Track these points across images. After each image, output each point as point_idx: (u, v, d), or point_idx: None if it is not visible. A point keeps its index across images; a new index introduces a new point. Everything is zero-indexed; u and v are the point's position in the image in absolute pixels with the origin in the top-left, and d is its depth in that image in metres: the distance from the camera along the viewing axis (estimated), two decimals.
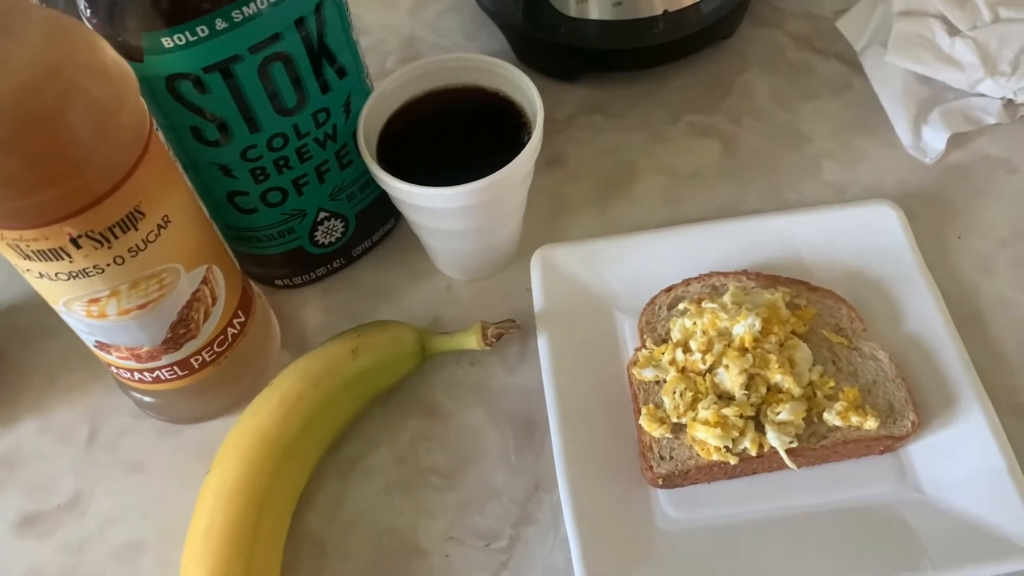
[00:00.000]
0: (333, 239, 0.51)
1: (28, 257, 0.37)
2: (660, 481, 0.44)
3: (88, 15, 0.39)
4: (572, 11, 0.57)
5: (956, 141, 0.55)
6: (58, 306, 0.40)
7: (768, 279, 0.49)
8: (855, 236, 0.51)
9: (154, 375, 0.44)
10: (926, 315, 0.47)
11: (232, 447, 0.43)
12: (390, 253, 0.55)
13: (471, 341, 0.48)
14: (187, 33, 0.38)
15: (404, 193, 0.45)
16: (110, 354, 0.43)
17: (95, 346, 0.43)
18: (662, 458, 0.44)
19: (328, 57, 0.43)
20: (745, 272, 0.49)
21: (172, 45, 0.38)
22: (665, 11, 0.56)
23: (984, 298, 0.49)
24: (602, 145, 0.59)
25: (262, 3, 0.39)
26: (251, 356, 0.48)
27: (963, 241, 0.52)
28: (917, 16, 0.55)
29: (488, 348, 0.48)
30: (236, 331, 0.46)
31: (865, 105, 0.58)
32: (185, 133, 0.43)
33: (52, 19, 0.35)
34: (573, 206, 0.56)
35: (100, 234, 0.36)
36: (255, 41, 0.40)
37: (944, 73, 0.55)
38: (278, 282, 0.53)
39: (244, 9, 0.39)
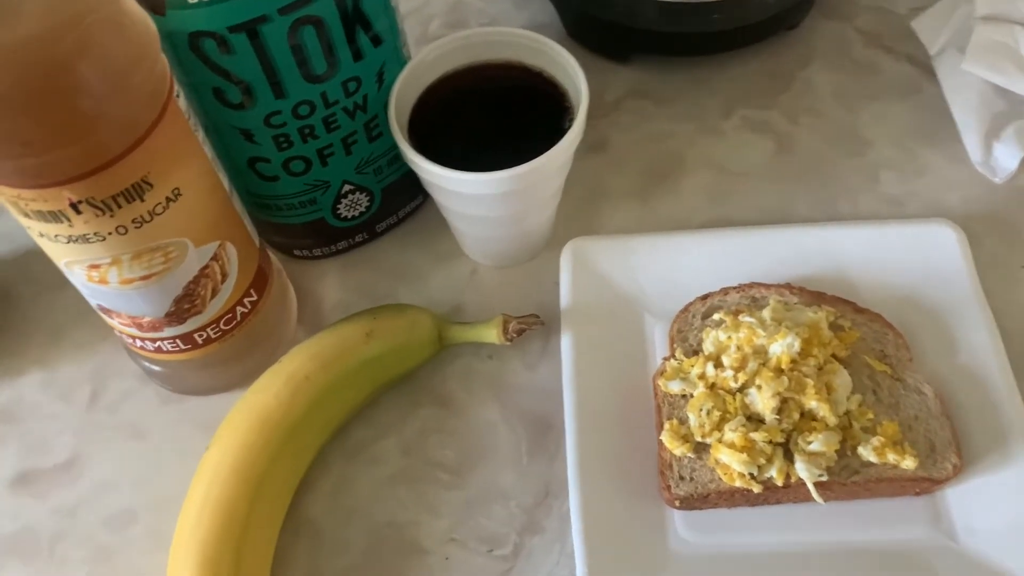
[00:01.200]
0: (357, 213, 0.49)
1: (27, 216, 0.35)
2: (677, 502, 0.41)
3: None
4: None
5: None
6: (60, 265, 0.39)
7: (812, 295, 0.46)
8: (909, 256, 0.47)
9: (156, 345, 0.42)
10: (979, 349, 0.44)
11: (233, 424, 0.42)
12: (415, 231, 0.52)
13: (491, 334, 0.45)
14: None
15: (433, 175, 0.42)
16: (112, 319, 0.41)
17: (98, 308, 0.41)
18: (682, 478, 0.41)
19: (363, 23, 0.41)
20: (788, 286, 0.46)
21: (196, 1, 0.36)
22: None
23: None
24: (649, 133, 0.56)
25: None
26: (263, 333, 0.46)
27: None
28: (1001, 23, 0.51)
29: (509, 343, 0.45)
30: (247, 310, 0.44)
31: (933, 113, 0.54)
32: (207, 94, 0.40)
33: None
34: (613, 196, 0.53)
35: (102, 202, 0.34)
36: (286, 2, 0.37)
37: None
38: (297, 252, 0.51)
39: None
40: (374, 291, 0.50)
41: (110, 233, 0.36)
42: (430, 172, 0.42)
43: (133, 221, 0.36)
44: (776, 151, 0.54)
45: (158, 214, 0.36)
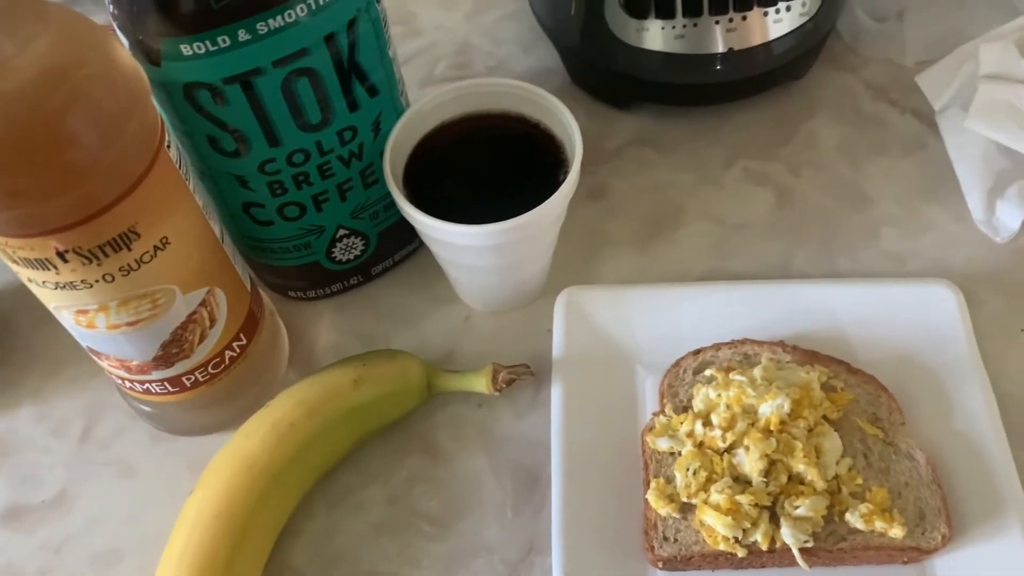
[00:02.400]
0: (352, 256, 0.49)
1: (15, 262, 0.35)
2: (660, 564, 0.41)
3: (113, 11, 0.37)
4: (632, 39, 0.53)
5: None
6: (50, 308, 0.39)
7: (806, 354, 0.45)
8: (907, 316, 0.47)
9: (144, 387, 0.43)
10: (975, 415, 0.43)
11: (218, 469, 0.42)
12: (411, 274, 0.52)
13: (480, 384, 0.45)
14: (207, 42, 0.36)
15: (425, 226, 0.42)
16: (101, 360, 0.42)
17: (88, 350, 0.42)
18: (666, 539, 0.41)
19: (359, 75, 0.41)
20: (782, 343, 0.46)
21: (191, 53, 0.36)
22: (730, 49, 0.52)
23: None
24: (649, 181, 0.55)
25: (290, 16, 0.37)
26: (253, 376, 0.46)
27: None
28: (1006, 81, 0.51)
29: (497, 393, 0.45)
30: (236, 354, 0.44)
31: (938, 170, 0.54)
32: (202, 141, 0.41)
33: (66, 20, 0.33)
34: (610, 244, 0.53)
35: (89, 251, 0.34)
36: (280, 55, 0.38)
37: None
38: (292, 293, 0.51)
39: (270, 22, 0.36)
40: (368, 334, 0.50)
41: (97, 281, 0.36)
42: (423, 223, 0.42)
43: (120, 269, 0.36)
44: (777, 204, 0.54)
45: (145, 262, 0.37)
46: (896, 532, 0.40)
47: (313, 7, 0.37)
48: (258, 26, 0.36)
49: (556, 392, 0.45)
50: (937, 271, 0.49)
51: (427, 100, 0.46)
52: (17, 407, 0.50)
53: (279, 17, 0.36)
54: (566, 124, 0.44)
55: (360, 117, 0.43)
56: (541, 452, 0.44)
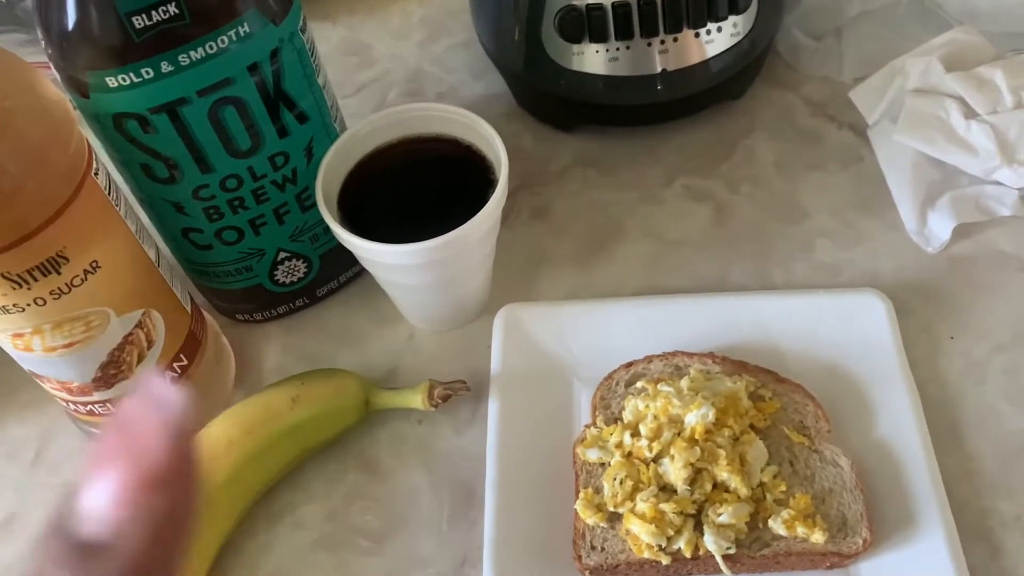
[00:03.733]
0: (295, 279, 0.50)
1: None
2: (588, 573, 0.41)
3: (45, 48, 0.39)
4: (570, 63, 0.55)
5: (964, 231, 0.51)
6: None
7: (735, 365, 0.46)
8: (836, 326, 0.48)
9: (88, 408, 0.44)
10: (900, 421, 0.44)
11: None
12: (357, 295, 0.53)
13: (416, 400, 0.46)
14: (131, 74, 0.37)
15: (357, 248, 0.44)
16: (44, 383, 0.43)
17: (30, 373, 0.43)
18: (593, 548, 0.42)
19: (287, 103, 0.43)
20: (711, 355, 0.47)
21: (116, 85, 0.38)
22: (664, 70, 0.54)
23: (968, 407, 0.46)
24: (591, 201, 0.57)
25: (211, 48, 0.38)
26: (197, 396, 0.47)
27: (955, 342, 0.48)
28: (932, 95, 0.52)
29: (434, 409, 0.46)
30: (177, 374, 0.45)
31: (872, 183, 0.55)
32: (136, 169, 0.42)
33: None
34: (552, 262, 0.54)
35: (18, 275, 0.36)
36: (204, 85, 0.39)
37: (957, 157, 0.51)
38: (239, 316, 0.52)
39: (192, 53, 0.38)
40: (314, 354, 0.52)
41: (28, 304, 0.37)
42: (353, 244, 0.44)
43: (51, 293, 0.37)
44: (715, 220, 0.55)
45: (76, 286, 0.38)
46: (817, 537, 0.40)
47: (234, 38, 0.38)
48: (180, 58, 0.38)
49: (493, 407, 0.46)
50: (870, 281, 0.50)
51: (362, 125, 0.47)
52: None
53: (200, 49, 0.38)
54: (493, 144, 0.46)
55: (291, 143, 0.44)
56: (478, 466, 0.45)
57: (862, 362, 0.47)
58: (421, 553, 0.44)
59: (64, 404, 0.45)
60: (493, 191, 0.45)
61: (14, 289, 0.36)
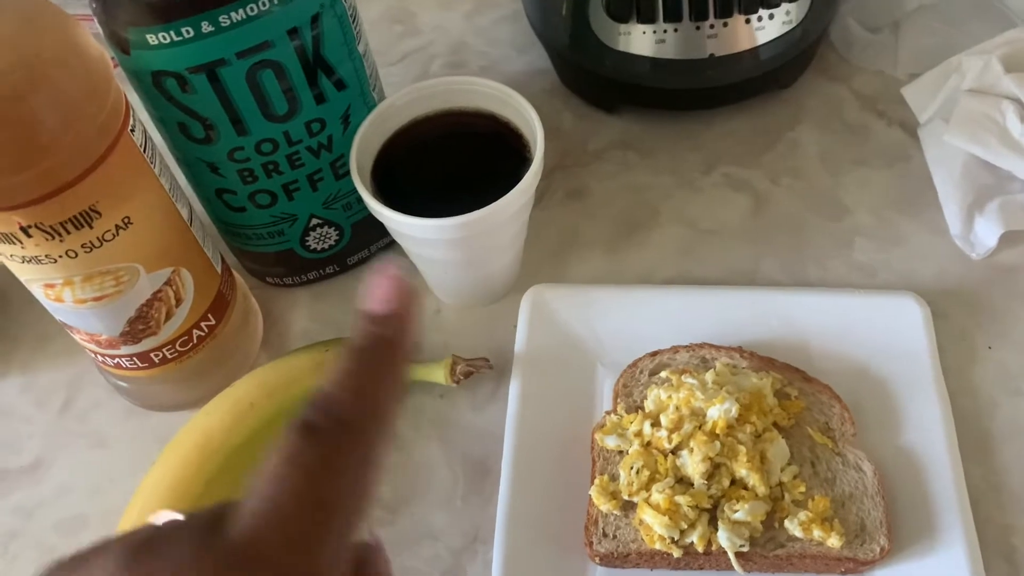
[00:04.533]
0: (326, 246, 0.50)
1: None
2: (598, 559, 0.41)
3: (90, 1, 0.39)
4: (616, 43, 0.54)
5: (1011, 239, 0.49)
6: (23, 281, 0.41)
7: (762, 361, 0.46)
8: (870, 328, 0.46)
9: (115, 361, 0.44)
10: (928, 429, 0.43)
11: (176, 445, 0.43)
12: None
13: (439, 374, 0.46)
14: (171, 32, 0.37)
15: (387, 219, 0.44)
16: (74, 334, 0.44)
17: (61, 324, 0.43)
18: (605, 535, 0.41)
19: (325, 69, 0.42)
20: (739, 349, 0.46)
21: (157, 43, 0.38)
22: (711, 55, 0.53)
23: (1001, 420, 0.44)
24: (627, 184, 0.56)
25: (252, 9, 0.38)
26: (222, 357, 0.47)
27: (993, 352, 0.47)
28: (988, 95, 0.50)
29: (455, 384, 0.46)
30: (204, 333, 0.45)
31: (918, 183, 0.53)
32: (173, 128, 0.42)
33: (28, 8, 0.35)
34: (583, 244, 0.53)
35: (51, 227, 0.36)
36: (243, 47, 0.39)
37: (1010, 161, 0.50)
38: (269, 279, 0.52)
39: (232, 14, 0.38)
40: (340, 322, 0.52)
41: (60, 256, 0.38)
42: (384, 216, 0.43)
43: (82, 246, 0.38)
44: (752, 211, 0.54)
45: (107, 240, 0.38)
46: (833, 542, 0.40)
47: (275, 1, 0.38)
48: (221, 18, 0.38)
49: (514, 387, 0.46)
50: (907, 284, 0.49)
51: (399, 96, 0.47)
52: (4, 377, 0.52)
53: (241, 10, 0.38)
54: (530, 122, 0.45)
55: (327, 110, 0.44)
56: (495, 444, 0.45)
57: (894, 366, 0.45)
58: (433, 526, 0.44)
59: (93, 356, 0.45)
60: (527, 170, 0.45)
61: (47, 240, 0.37)
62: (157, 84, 0.40)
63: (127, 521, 0.42)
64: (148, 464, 0.44)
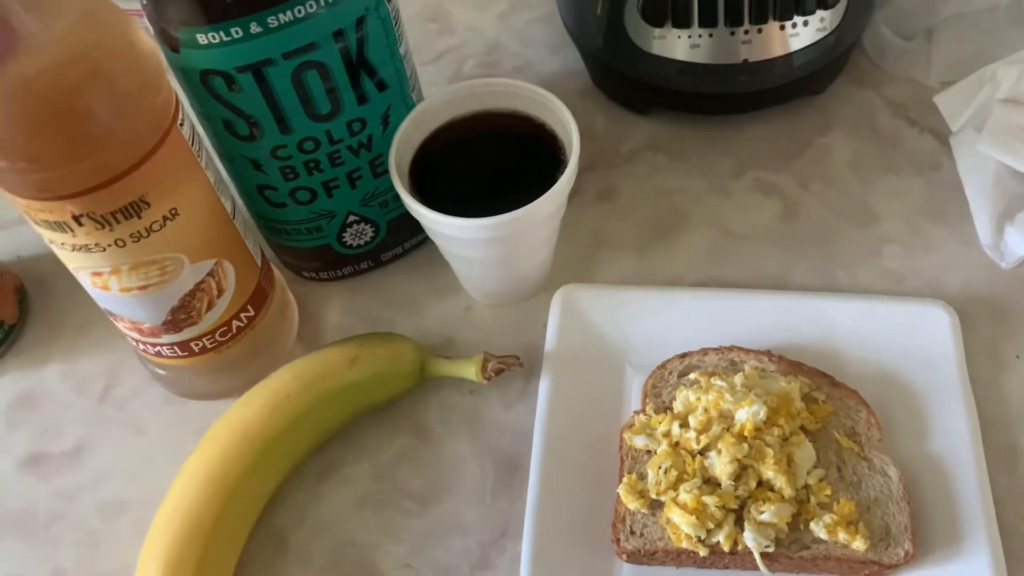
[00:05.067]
0: (362, 242, 0.51)
1: (37, 224, 0.38)
2: (625, 556, 0.42)
3: (142, 0, 0.40)
4: (650, 46, 0.54)
5: None
6: (71, 269, 0.42)
7: (791, 365, 0.46)
8: (898, 334, 0.47)
9: (156, 350, 0.45)
10: (955, 436, 0.44)
11: (214, 435, 0.44)
12: (419, 264, 0.54)
13: (470, 371, 0.47)
14: (221, 33, 0.38)
15: (424, 217, 0.44)
16: (117, 322, 0.45)
17: (105, 311, 0.45)
18: (632, 532, 0.42)
19: (368, 70, 0.43)
20: (768, 353, 0.47)
21: (206, 42, 0.39)
22: (745, 60, 0.53)
23: None
24: (658, 186, 0.56)
25: (299, 12, 0.39)
26: (260, 348, 0.48)
27: (1021, 361, 0.47)
28: (1022, 106, 0.50)
29: (486, 381, 0.47)
30: (243, 324, 0.46)
31: (948, 192, 0.53)
32: (218, 125, 0.43)
33: (87, 3, 0.36)
34: (612, 245, 0.54)
35: (102, 216, 0.37)
36: (290, 48, 0.40)
37: None
38: (305, 273, 0.54)
39: (280, 16, 0.39)
40: (373, 318, 0.53)
41: (109, 245, 0.39)
42: (421, 214, 0.44)
43: (131, 236, 0.39)
44: (782, 216, 0.54)
45: (155, 231, 0.39)
46: (858, 545, 0.40)
47: (322, 3, 0.39)
48: (269, 20, 0.39)
49: (544, 385, 0.47)
50: (936, 292, 0.49)
51: (437, 96, 0.47)
52: (47, 364, 0.53)
53: (289, 12, 0.39)
54: (566, 125, 0.46)
55: (369, 110, 0.45)
56: (525, 441, 0.46)
57: (921, 373, 0.46)
58: (463, 520, 0.45)
59: (134, 344, 0.47)
60: (563, 172, 0.46)
61: (97, 229, 0.38)
62: (204, 82, 0.41)
63: (165, 508, 0.43)
64: (185, 451, 0.46)
